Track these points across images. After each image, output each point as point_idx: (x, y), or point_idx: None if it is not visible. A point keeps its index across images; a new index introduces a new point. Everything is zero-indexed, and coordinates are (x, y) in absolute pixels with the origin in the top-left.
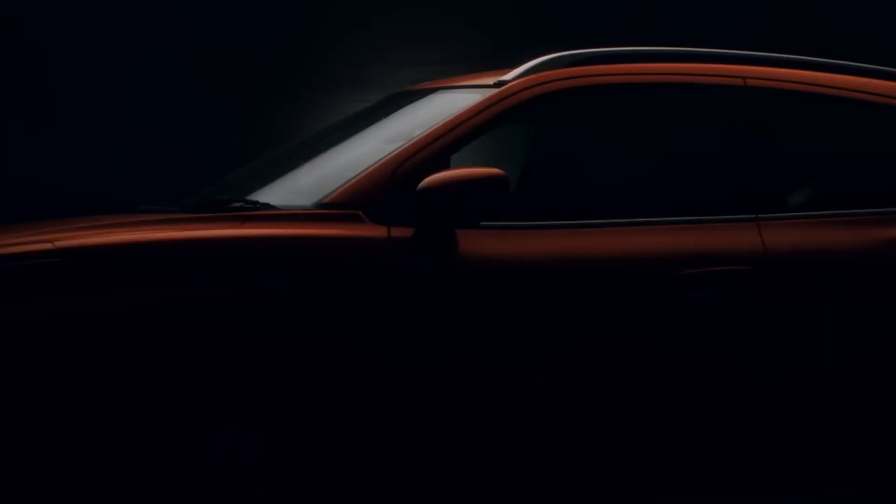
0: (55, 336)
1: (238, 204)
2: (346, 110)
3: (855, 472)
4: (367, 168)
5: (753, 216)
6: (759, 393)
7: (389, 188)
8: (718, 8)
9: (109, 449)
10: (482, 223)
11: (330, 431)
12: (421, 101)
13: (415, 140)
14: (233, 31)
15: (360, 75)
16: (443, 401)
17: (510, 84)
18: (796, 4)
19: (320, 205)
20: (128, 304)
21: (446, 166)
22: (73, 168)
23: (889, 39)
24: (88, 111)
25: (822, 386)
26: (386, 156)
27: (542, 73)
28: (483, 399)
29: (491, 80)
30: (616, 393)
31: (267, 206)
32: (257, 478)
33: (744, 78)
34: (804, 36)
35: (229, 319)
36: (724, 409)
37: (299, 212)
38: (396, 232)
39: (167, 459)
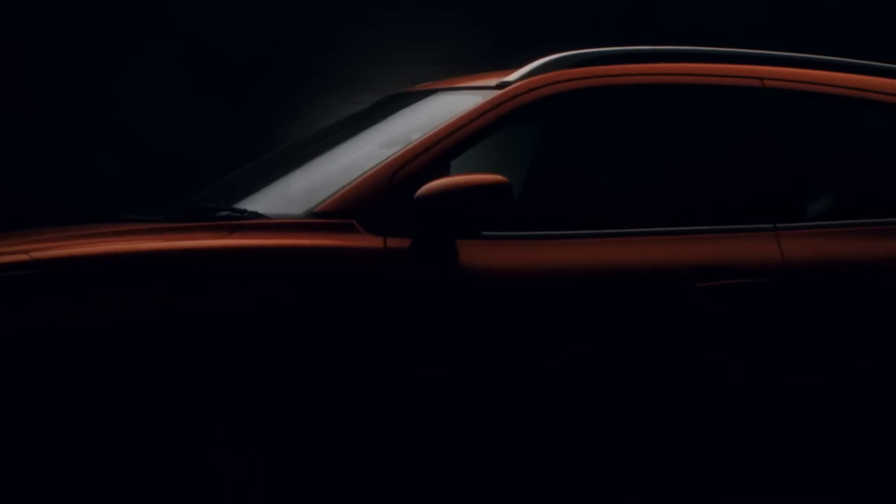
0: (30, 350)
1: (225, 212)
2: (343, 112)
3: (878, 485)
4: (361, 174)
5: (772, 226)
6: (779, 410)
7: (385, 196)
8: (718, 8)
9: (87, 467)
10: (484, 233)
11: (324, 449)
12: (419, 103)
13: (413, 144)
14: (229, 30)
15: (358, 75)
16: (441, 419)
17: (514, 85)
18: (796, 4)
19: (312, 213)
20: (107, 317)
21: (446, 172)
22: (64, 172)
23: (889, 39)
24: (80, 113)
25: (846, 403)
26: (382, 161)
27: (547, 74)
28: (485, 420)
29: (493, 81)
30: (627, 411)
31: (256, 214)
32: (247, 494)
33: (761, 79)
34: (804, 36)
35: (214, 335)
36: (742, 428)
37: (290, 221)
38: (393, 242)
39: (151, 476)
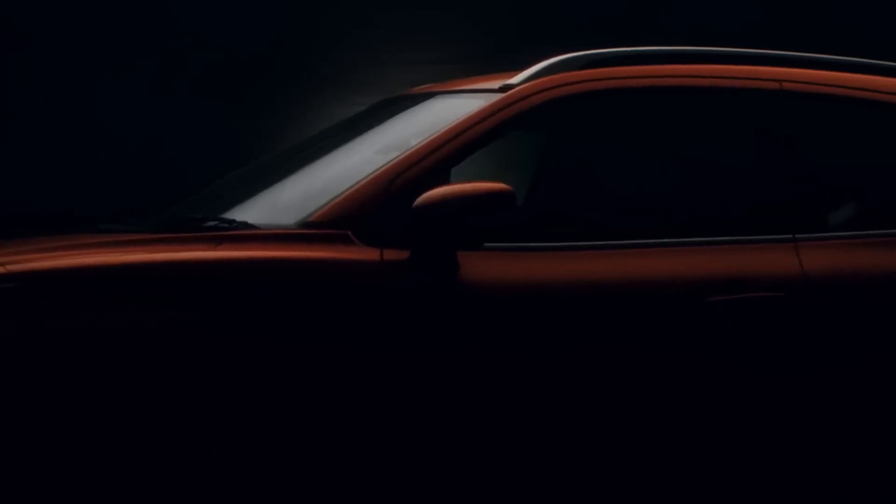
0: (8, 366)
1: (212, 222)
2: (340, 113)
3: None
4: (357, 182)
5: (790, 236)
6: (798, 431)
7: (383, 205)
8: (718, 8)
9: (62, 483)
10: (486, 244)
11: (318, 473)
12: (418, 106)
13: (411, 150)
14: (227, 30)
15: (357, 76)
16: (441, 438)
17: (518, 88)
18: (796, 4)
19: (305, 224)
20: (87, 332)
21: (446, 180)
22: (49, 177)
23: (889, 39)
24: (62, 118)
25: (869, 422)
26: (378, 168)
27: (554, 76)
28: (488, 442)
29: (496, 84)
30: (636, 431)
31: (245, 224)
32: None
33: (779, 81)
34: (804, 36)
35: (201, 351)
36: (759, 450)
37: (281, 232)
38: (390, 254)
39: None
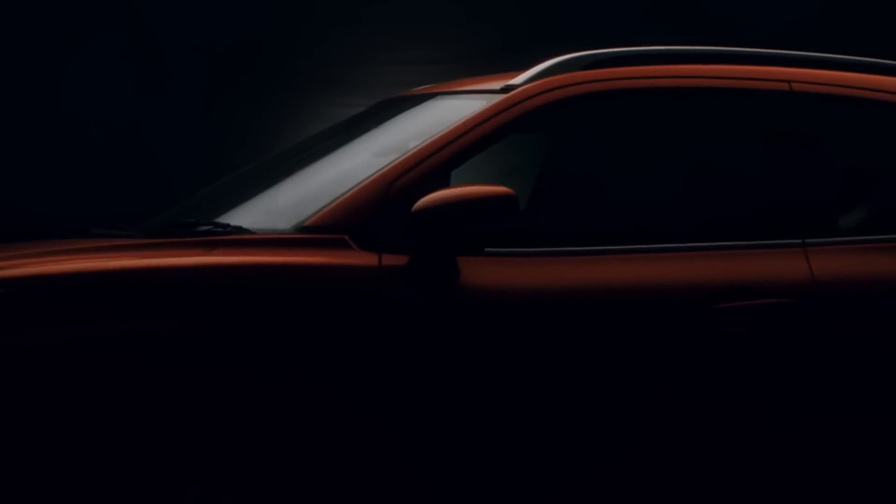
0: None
1: (206, 227)
2: (331, 117)
3: None
4: (355, 185)
5: (800, 241)
6: (807, 445)
7: (381, 209)
8: (755, 4)
9: (57, 493)
10: (487, 249)
11: (313, 488)
12: (417, 107)
13: (410, 153)
14: (203, 26)
15: (347, 76)
16: (441, 453)
17: (520, 89)
18: (799, 4)
19: (301, 228)
20: (80, 340)
21: (446, 184)
22: (26, 183)
23: (889, 39)
24: (35, 116)
25: (878, 427)
26: (377, 171)
27: (557, 77)
28: (489, 453)
29: (498, 84)
30: (640, 446)
31: (239, 229)
32: None
33: (789, 82)
34: (805, 36)
35: (193, 360)
36: (766, 465)
37: (277, 236)
38: (389, 259)
39: None
